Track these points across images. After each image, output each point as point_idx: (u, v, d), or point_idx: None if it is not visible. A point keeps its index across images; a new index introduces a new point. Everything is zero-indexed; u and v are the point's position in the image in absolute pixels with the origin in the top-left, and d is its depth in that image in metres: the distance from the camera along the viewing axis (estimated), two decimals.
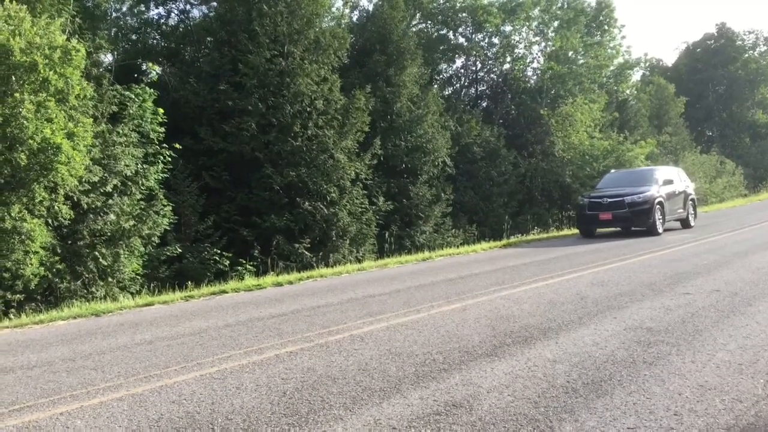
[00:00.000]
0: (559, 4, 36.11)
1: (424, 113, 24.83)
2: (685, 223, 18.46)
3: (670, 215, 17.31)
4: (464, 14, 34.68)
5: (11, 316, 10.39)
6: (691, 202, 18.80)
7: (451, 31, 35.72)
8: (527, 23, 36.02)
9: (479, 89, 37.88)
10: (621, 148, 30.28)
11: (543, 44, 36.94)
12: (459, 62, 37.39)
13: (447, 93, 36.26)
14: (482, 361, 4.87)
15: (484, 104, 37.10)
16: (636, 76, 47.28)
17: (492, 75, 37.28)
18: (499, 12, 34.19)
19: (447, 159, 25.66)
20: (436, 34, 35.39)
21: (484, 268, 11.66)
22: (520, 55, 36.86)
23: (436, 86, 32.52)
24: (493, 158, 29.41)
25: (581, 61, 36.89)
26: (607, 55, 38.30)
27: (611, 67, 39.81)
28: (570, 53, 36.41)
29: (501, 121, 34.97)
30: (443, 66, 36.95)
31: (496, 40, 36.40)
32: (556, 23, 36.36)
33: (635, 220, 16.33)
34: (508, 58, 36.78)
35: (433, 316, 6.92)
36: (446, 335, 5.82)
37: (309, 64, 19.75)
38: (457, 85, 38.02)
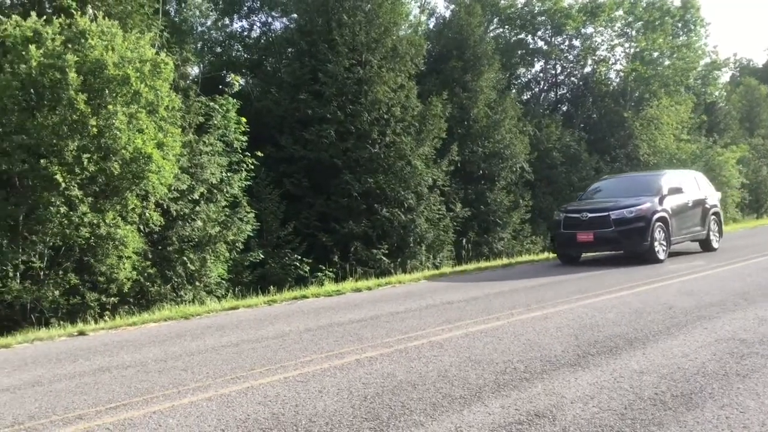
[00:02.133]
0: (644, 5, 34.99)
1: (502, 118, 24.58)
2: (705, 245, 14.44)
3: (681, 234, 13.49)
4: (543, 18, 34.14)
5: (106, 317, 10.94)
6: (713, 217, 14.61)
7: (529, 35, 35.22)
8: (609, 25, 35.08)
9: (559, 93, 37.18)
10: (710, 152, 29.04)
11: (626, 45, 35.88)
12: (538, 66, 36.81)
13: (525, 97, 35.75)
14: (565, 370, 4.80)
15: (565, 108, 36.39)
16: (725, 77, 45.18)
17: (572, 78, 36.53)
18: (579, 14, 33.47)
19: (525, 164, 25.31)
20: (514, 38, 34.96)
21: (565, 275, 11.43)
22: (602, 57, 35.94)
23: (514, 91, 32.12)
24: (574, 163, 28.77)
25: (667, 63, 35.61)
26: (694, 56, 36.81)
27: (698, 68, 38.24)
28: (655, 54, 35.21)
29: (582, 125, 34.21)
30: (521, 70, 36.44)
31: (576, 43, 35.64)
32: (639, 24, 35.25)
33: (624, 242, 12.45)
34: (590, 61, 35.92)
35: (512, 323, 6.86)
36: (527, 344, 5.76)
37: (386, 71, 19.93)
38: (536, 90, 37.43)
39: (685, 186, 14.03)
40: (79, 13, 12.37)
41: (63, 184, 11.09)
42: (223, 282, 15.02)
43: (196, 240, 14.51)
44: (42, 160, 11.07)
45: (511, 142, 24.47)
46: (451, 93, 22.89)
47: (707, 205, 14.48)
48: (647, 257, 12.33)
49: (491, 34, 32.95)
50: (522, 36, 35.33)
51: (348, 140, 19.21)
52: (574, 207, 13.81)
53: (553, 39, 35.46)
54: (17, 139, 10.98)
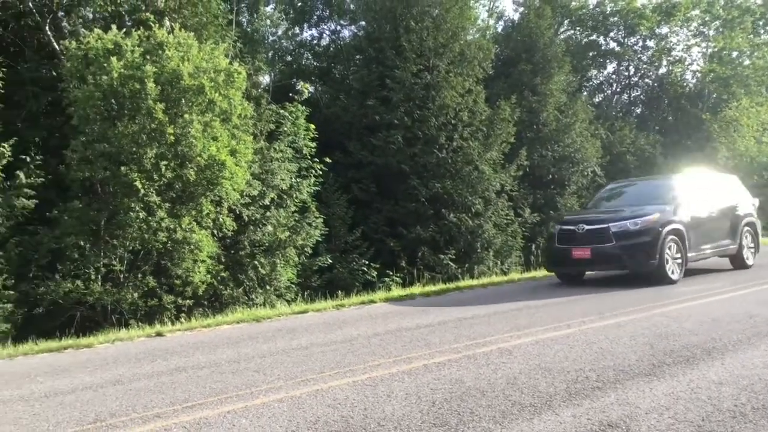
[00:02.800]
0: (722, 3, 33.69)
1: (573, 122, 24.12)
2: (737, 261, 12.31)
3: (703, 249, 11.52)
4: (615, 18, 33.34)
5: (182, 319, 11.31)
6: (747, 228, 12.46)
7: (601, 36, 34.49)
8: (685, 24, 33.93)
9: (633, 95, 36.27)
10: None
11: (703, 45, 34.61)
12: (610, 68, 36.04)
13: (597, 100, 35.02)
14: (639, 380, 4.67)
15: (638, 110, 35.47)
16: None
17: (647, 80, 35.57)
18: (653, 14, 32.52)
19: (597, 168, 24.76)
20: (585, 40, 34.32)
21: (639, 282, 11.11)
22: (677, 57, 34.80)
23: (585, 93, 31.52)
24: (649, 167, 27.92)
25: (747, 62, 34.15)
26: None
27: None
28: (734, 54, 33.82)
29: (657, 127, 33.23)
30: (593, 72, 35.73)
31: (650, 43, 34.70)
32: (717, 23, 33.95)
33: (627, 259, 10.54)
34: (664, 62, 34.90)
35: (584, 331, 6.71)
36: (599, 352, 5.63)
37: (454, 76, 19.87)
38: (609, 92, 36.61)
39: (709, 192, 12.14)
40: (157, 25, 12.87)
41: (142, 191, 11.53)
42: (293, 286, 15.29)
43: (267, 244, 14.82)
44: (122, 168, 11.54)
45: (582, 146, 23.99)
46: (520, 96, 22.62)
47: (739, 214, 12.40)
48: (656, 277, 10.48)
49: (561, 36, 32.44)
50: (593, 37, 34.64)
51: (415, 145, 19.24)
52: (570, 218, 12.12)
53: (626, 40, 34.62)
54: (99, 147, 11.49)
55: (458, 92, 19.75)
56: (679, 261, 10.69)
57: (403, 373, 5.24)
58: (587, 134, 24.76)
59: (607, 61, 35.49)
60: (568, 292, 10.22)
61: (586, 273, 12.17)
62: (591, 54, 34.49)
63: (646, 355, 5.41)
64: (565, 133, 23.75)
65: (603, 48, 34.87)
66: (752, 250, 12.61)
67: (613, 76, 36.45)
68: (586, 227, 10.94)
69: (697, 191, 11.79)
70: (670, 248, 10.54)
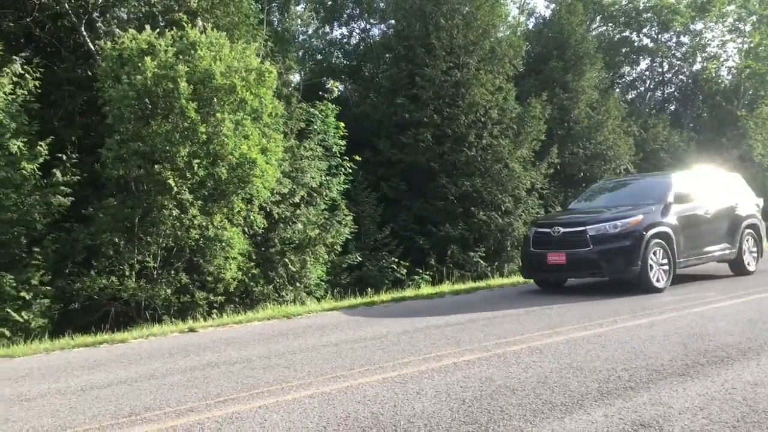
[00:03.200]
0: None
1: (605, 119, 23.85)
2: (736, 266, 11.60)
3: (696, 254, 10.68)
4: (648, 14, 32.83)
5: (214, 315, 11.44)
6: (748, 231, 11.65)
7: (634, 33, 33.99)
8: (720, 20, 33.27)
9: (666, 92, 35.68)
10: None
11: (739, 41, 33.92)
12: (643, 64, 35.48)
13: (630, 97, 34.52)
14: (673, 380, 4.61)
15: (672, 107, 34.90)
16: None
17: (680, 76, 34.99)
18: (687, 10, 31.96)
19: (630, 166, 24.42)
20: (617, 36, 33.85)
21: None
22: (712, 54, 34.14)
23: (617, 90, 31.12)
24: (683, 165, 27.44)
25: None
26: None
27: None
28: None
29: (691, 125, 32.69)
30: (626, 69, 35.23)
31: (685, 40, 34.10)
32: (753, 18, 33.23)
33: (605, 265, 9.75)
34: (699, 58, 34.24)
35: (616, 330, 6.65)
36: (632, 352, 5.57)
37: (484, 74, 19.77)
38: (642, 89, 36.09)
39: (705, 191, 11.22)
40: (190, 25, 13.02)
41: (175, 189, 11.69)
42: (322, 283, 15.37)
43: (297, 242, 14.92)
44: (156, 166, 11.71)
45: (615, 143, 23.71)
46: (551, 94, 22.43)
47: (739, 215, 11.56)
48: (639, 285, 9.74)
49: (593, 33, 32.06)
50: (626, 34, 34.16)
51: (445, 143, 19.20)
52: (545, 220, 11.44)
53: (659, 36, 34.08)
54: (133, 146, 11.67)
55: (488, 90, 19.65)
56: (666, 267, 9.87)
57: (433, 371, 5.25)
58: (620, 131, 24.45)
59: (641, 57, 34.94)
60: (600, 293, 10.11)
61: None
62: (624, 50, 33.99)
63: (679, 355, 5.34)
64: (597, 130, 23.49)
65: (636, 44, 34.34)
66: (754, 255, 11.80)
67: (647, 73, 35.91)
68: (562, 230, 10.17)
69: (691, 190, 10.89)
70: (655, 253, 9.74)
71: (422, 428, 3.83)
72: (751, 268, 11.59)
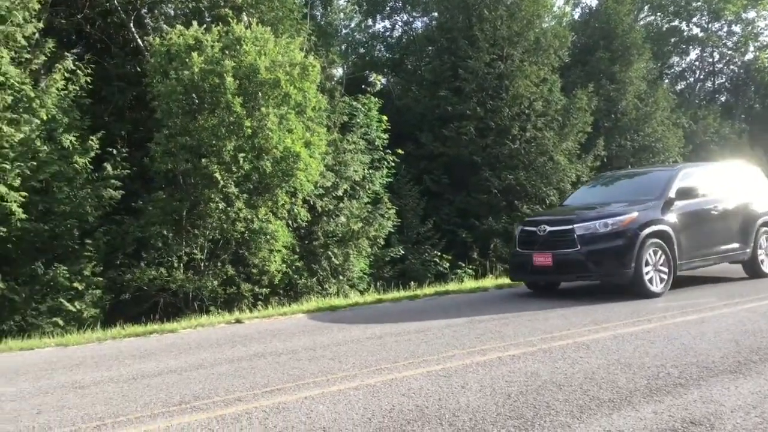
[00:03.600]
0: None
1: (653, 110, 23.37)
2: (751, 268, 10.46)
3: (701, 256, 9.64)
4: (699, 3, 31.97)
5: (259, 307, 11.61)
6: (766, 229, 10.58)
7: (683, 22, 33.15)
8: None
9: (717, 82, 34.77)
10: None
11: None
12: (693, 54, 34.64)
13: (679, 88, 33.75)
14: (724, 378, 4.50)
15: (723, 98, 33.96)
16: None
17: (732, 66, 34.01)
18: None
19: (679, 159, 23.88)
20: (666, 26, 33.07)
21: (726, 277, 10.69)
22: (765, 43, 33.09)
23: (666, 81, 30.44)
24: (735, 157, 26.71)
25: None
26: None
27: None
28: None
29: (743, 116, 31.76)
30: (675, 59, 34.43)
31: (736, 29, 33.12)
32: None
33: (594, 268, 8.83)
34: (751, 47, 33.24)
35: (665, 326, 6.52)
36: (681, 348, 5.46)
37: (528, 65, 19.55)
38: (691, 79, 35.23)
39: (714, 186, 10.18)
40: (235, 20, 13.18)
41: (221, 182, 11.89)
42: (365, 276, 15.45)
43: (340, 235, 15.02)
44: (203, 160, 11.93)
45: (663, 135, 23.23)
46: (598, 85, 22.06)
47: (754, 213, 10.47)
48: (632, 289, 8.82)
49: (641, 23, 31.40)
50: (675, 23, 33.36)
51: (488, 136, 19.06)
52: (533, 217, 10.68)
53: (710, 25, 33.19)
54: (181, 140, 11.90)
55: (533, 81, 19.42)
56: (665, 270, 8.92)
57: (477, 365, 5.23)
58: (668, 123, 23.94)
59: (690, 47, 34.11)
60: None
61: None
62: (673, 40, 33.21)
63: (731, 352, 5.21)
64: (645, 122, 23.04)
65: (685, 34, 33.52)
66: None
67: (697, 63, 35.05)
68: (548, 228, 9.25)
69: (698, 185, 9.79)
70: (651, 254, 8.80)
71: (467, 422, 3.83)
72: (767, 270, 10.48)
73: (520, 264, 9.68)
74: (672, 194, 9.40)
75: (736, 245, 10.11)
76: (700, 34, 33.26)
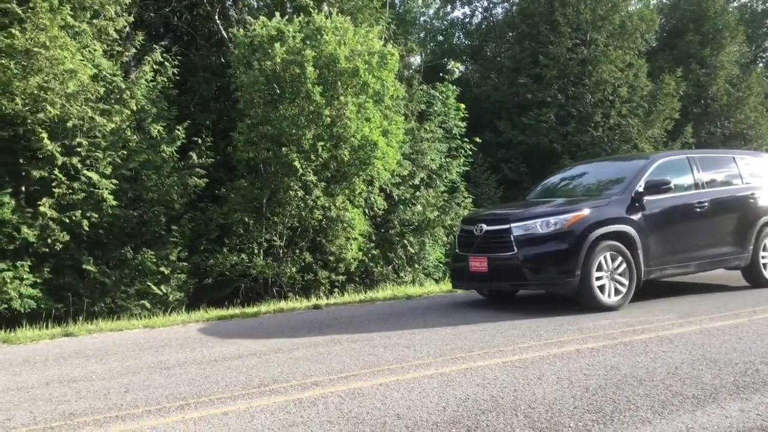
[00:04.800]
0: None
1: (746, 96, 22.22)
2: (751, 275, 8.81)
3: (678, 261, 8.02)
4: None
5: (336, 294, 11.80)
6: None
7: None
8: None
9: None
10: None
11: None
12: None
13: None
14: None
15: None
16: None
17: None
18: None
19: None
20: (762, 7, 31.24)
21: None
22: None
23: (761, 65, 28.78)
24: None
25: None
26: None
27: None
28: None
29: None
30: None
31: None
32: None
33: (530, 275, 7.45)
34: None
35: (755, 322, 6.21)
36: None
37: (613, 50, 18.97)
38: None
39: (702, 177, 8.51)
40: (316, 10, 13.36)
41: (300, 170, 12.11)
42: (441, 265, 15.42)
43: (416, 224, 15.05)
44: (283, 149, 12.18)
45: (756, 122, 22.09)
46: (686, 70, 21.16)
47: (756, 209, 8.78)
48: (580, 301, 7.45)
49: (735, 4, 29.75)
50: None
51: (569, 124, 18.62)
52: (472, 215, 9.41)
53: None
54: (263, 129, 12.20)
55: (617, 66, 18.84)
56: (625, 280, 7.50)
57: (554, 357, 5.14)
58: (762, 109, 22.70)
59: None
60: (732, 281, 9.45)
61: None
62: None
63: None
64: (736, 108, 21.96)
65: None
66: None
67: None
68: (485, 228, 7.87)
69: (679, 176, 8.35)
70: (605, 260, 7.41)
71: (543, 414, 3.78)
72: None
73: (459, 269, 8.38)
74: (640, 188, 7.83)
75: (729, 249, 8.51)
76: None
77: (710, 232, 8.37)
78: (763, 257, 8.76)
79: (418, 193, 15.30)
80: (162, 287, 11.62)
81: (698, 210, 8.23)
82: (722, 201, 8.54)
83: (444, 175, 16.15)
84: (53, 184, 10.70)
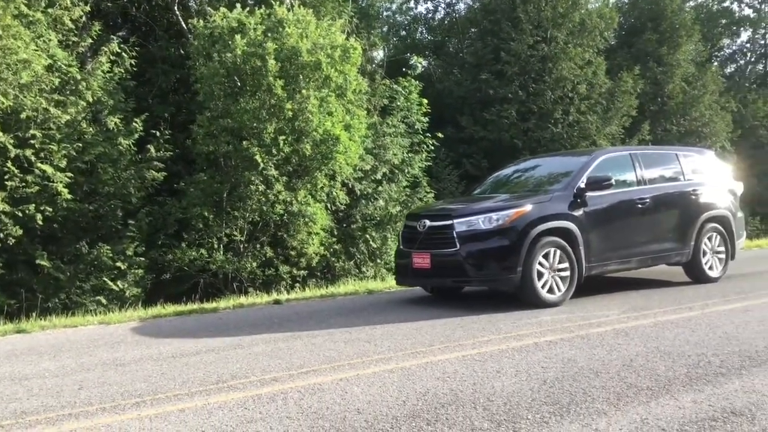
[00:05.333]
0: None
1: (701, 94, 22.76)
2: (693, 271, 8.91)
3: (621, 257, 8.08)
4: None
5: (297, 289, 11.72)
6: (713, 226, 8.99)
7: (734, 3, 32.18)
8: None
9: None
10: None
11: None
12: (744, 36, 33.66)
13: (729, 71, 32.79)
14: (767, 368, 4.38)
15: None
16: None
17: None
18: None
19: (726, 144, 23.25)
20: (717, 7, 32.05)
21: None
22: None
23: (715, 64, 29.56)
24: None
25: None
26: None
27: None
28: None
29: None
30: (725, 41, 33.39)
31: None
32: None
33: (472, 271, 7.40)
34: None
35: (707, 315, 6.37)
36: (723, 337, 5.33)
37: (573, 47, 19.21)
38: (742, 62, 34.18)
39: (645, 174, 8.57)
40: (278, 3, 13.21)
41: (261, 164, 11.99)
42: None
43: (378, 219, 15.05)
44: (244, 142, 12.04)
45: (711, 120, 22.62)
46: (644, 68, 21.57)
47: (698, 205, 8.86)
48: (522, 297, 7.44)
49: (691, 3, 30.47)
50: (726, 4, 32.36)
51: (529, 120, 18.83)
52: (417, 211, 9.19)
53: (762, 6, 32.04)
54: (223, 122, 12.03)
55: (577, 64, 19.09)
56: (566, 274, 7.49)
57: (513, 350, 5.19)
58: (717, 107, 23.31)
59: (741, 28, 33.03)
60: (685, 275, 9.68)
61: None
62: (723, 22, 32.20)
63: None
64: (692, 106, 22.46)
65: (736, 15, 32.46)
66: (720, 257, 9.07)
67: (748, 45, 33.95)
68: (428, 224, 7.83)
69: (622, 173, 8.41)
70: (547, 256, 7.39)
71: (502, 407, 3.80)
72: (714, 274, 8.92)
73: (403, 265, 8.29)
74: (582, 184, 7.81)
75: (670, 245, 8.56)
76: (752, 15, 32.20)
77: (652, 228, 8.41)
78: (703, 254, 8.85)
79: (380, 188, 15.29)
80: (118, 283, 11.40)
81: (640, 206, 8.27)
82: (664, 197, 8.60)
83: (406, 170, 16.17)
84: (6, 177, 10.41)
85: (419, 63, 19.94)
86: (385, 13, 24.83)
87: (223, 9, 12.69)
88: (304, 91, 12.12)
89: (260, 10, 12.78)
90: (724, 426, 3.37)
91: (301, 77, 12.33)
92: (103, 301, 11.07)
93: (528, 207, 7.45)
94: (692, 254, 8.71)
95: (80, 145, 11.39)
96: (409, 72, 17.63)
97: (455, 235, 7.47)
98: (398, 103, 16.67)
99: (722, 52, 33.87)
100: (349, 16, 16.81)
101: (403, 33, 26.44)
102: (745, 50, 34.27)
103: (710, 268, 8.93)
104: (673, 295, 7.77)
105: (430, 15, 27.02)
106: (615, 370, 4.48)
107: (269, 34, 12.26)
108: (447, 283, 8.09)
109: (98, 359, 5.61)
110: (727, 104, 24.67)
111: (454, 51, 23.81)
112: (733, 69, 33.75)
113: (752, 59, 34.05)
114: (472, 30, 22.55)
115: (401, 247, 8.40)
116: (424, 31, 26.79)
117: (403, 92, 16.87)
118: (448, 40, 24.65)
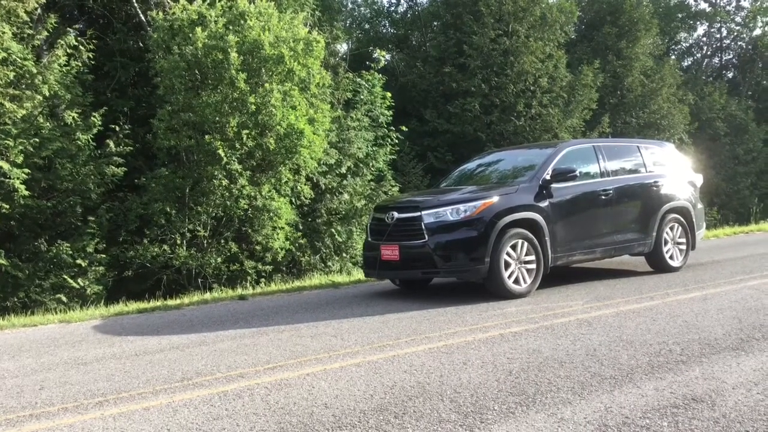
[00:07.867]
0: None
1: (659, 87, 23.20)
2: (654, 261, 9.15)
3: (585, 248, 8.21)
4: None
5: (263, 284, 11.64)
6: (673, 216, 9.21)
7: None
8: None
9: (724, 59, 34.42)
10: None
11: None
12: (701, 30, 34.39)
13: (686, 64, 33.51)
14: (726, 354, 4.50)
15: (730, 75, 33.65)
16: None
17: (740, 42, 33.67)
18: None
19: (684, 136, 23.76)
20: (674, 1, 32.67)
21: (725, 254, 10.68)
22: None
23: (673, 57, 30.14)
24: (740, 134, 26.64)
25: None
26: None
27: None
28: None
29: (750, 93, 31.47)
30: (682, 35, 34.11)
31: (745, 3, 32.80)
32: None
33: (441, 262, 7.43)
34: (760, 23, 32.84)
35: (668, 304, 6.51)
36: (684, 325, 5.45)
37: (534, 41, 19.39)
38: (698, 55, 34.94)
39: (608, 166, 8.71)
40: None
41: (225, 159, 11.84)
42: None
43: (343, 213, 15.01)
44: (206, 136, 11.87)
45: (669, 112, 23.09)
46: (604, 61, 21.90)
47: (659, 197, 9.08)
48: (489, 288, 7.56)
49: None
50: None
51: (492, 113, 18.96)
52: (384, 203, 9.31)
53: (718, 0, 32.74)
54: (184, 116, 11.84)
55: (538, 57, 19.28)
56: (532, 266, 7.59)
57: (479, 342, 5.23)
58: (674, 100, 23.79)
59: (698, 22, 33.77)
60: (646, 266, 9.88)
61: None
62: (680, 15, 32.85)
63: (733, 330, 5.20)
64: (650, 98, 22.90)
65: (693, 9, 33.17)
66: (681, 247, 9.28)
67: (704, 39, 34.72)
68: (396, 216, 7.83)
69: (585, 165, 8.54)
70: (514, 247, 7.46)
71: (468, 398, 3.83)
72: (675, 264, 9.12)
73: (371, 258, 8.25)
74: (547, 176, 7.94)
75: (633, 235, 8.74)
76: (708, 10, 32.89)
77: (615, 219, 8.58)
78: (665, 244, 9.07)
79: (345, 182, 15.25)
80: (79, 280, 11.17)
81: (603, 198, 8.43)
82: (627, 189, 8.78)
83: (371, 164, 16.15)
84: None
85: (383, 56, 19.92)
86: (348, 6, 24.77)
87: (182, 1, 12.48)
88: (267, 85, 11.99)
89: (221, 2, 12.60)
90: (685, 413, 3.45)
91: (263, 70, 12.20)
92: (64, 299, 10.84)
93: (495, 198, 7.54)
94: (654, 244, 8.92)
95: (37, 140, 11.10)
96: (373, 65, 17.60)
97: (423, 227, 7.51)
98: (362, 97, 16.63)
99: (679, 46, 34.60)
100: (311, 8, 16.69)
101: (367, 26, 26.39)
102: (701, 44, 35.06)
103: (671, 258, 9.15)
104: (635, 285, 7.92)
105: (392, 8, 27.08)
106: (579, 359, 4.55)
107: (231, 27, 12.09)
108: (416, 275, 8.04)
109: (59, 358, 5.50)
110: (684, 97, 25.20)
111: (417, 44, 23.85)
112: (690, 62, 34.48)
113: (708, 53, 34.83)
114: (435, 23, 22.62)
115: (369, 239, 8.40)
116: (387, 25, 26.79)
117: (366, 86, 16.83)
118: (411, 33, 24.67)
